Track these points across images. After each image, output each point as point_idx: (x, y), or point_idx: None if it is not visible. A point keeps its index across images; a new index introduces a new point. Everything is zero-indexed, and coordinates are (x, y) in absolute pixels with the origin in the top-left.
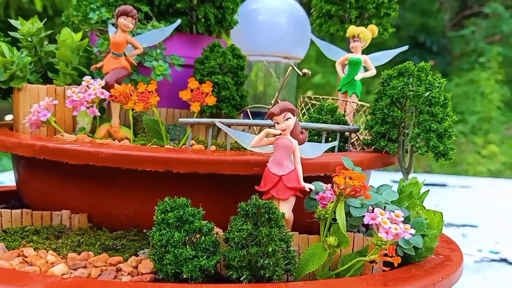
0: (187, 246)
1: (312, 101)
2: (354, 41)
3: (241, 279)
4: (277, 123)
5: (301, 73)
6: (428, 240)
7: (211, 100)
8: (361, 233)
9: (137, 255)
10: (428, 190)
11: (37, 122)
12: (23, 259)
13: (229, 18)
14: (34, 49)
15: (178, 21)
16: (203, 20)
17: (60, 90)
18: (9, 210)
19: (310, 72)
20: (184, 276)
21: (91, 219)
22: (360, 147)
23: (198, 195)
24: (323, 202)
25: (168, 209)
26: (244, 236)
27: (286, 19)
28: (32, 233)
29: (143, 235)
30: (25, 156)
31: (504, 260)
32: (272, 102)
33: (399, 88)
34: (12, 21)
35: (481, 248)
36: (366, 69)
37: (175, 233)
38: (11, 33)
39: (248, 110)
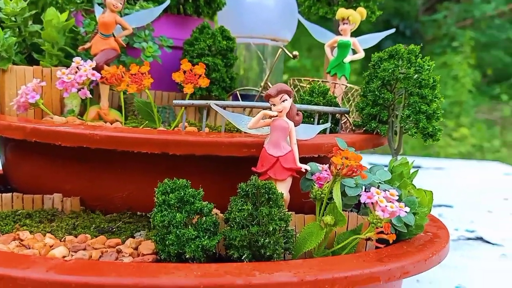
0: (189, 227)
1: (301, 84)
2: (344, 24)
3: (242, 258)
4: (274, 104)
5: (291, 55)
6: (419, 218)
7: (204, 82)
8: (354, 212)
9: (133, 237)
10: (417, 170)
11: (25, 104)
12: (19, 242)
13: None
14: (18, 29)
15: (167, 2)
16: (191, 1)
17: (47, 72)
18: None
19: (298, 54)
20: (186, 256)
21: (84, 202)
22: (349, 129)
23: (194, 177)
24: (319, 182)
25: (168, 190)
26: (244, 216)
27: (274, 0)
28: (24, 217)
29: (138, 217)
30: (14, 139)
31: (479, 239)
32: (262, 84)
33: (390, 70)
34: None
35: (458, 227)
36: (354, 52)
37: (177, 214)
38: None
39: (237, 92)
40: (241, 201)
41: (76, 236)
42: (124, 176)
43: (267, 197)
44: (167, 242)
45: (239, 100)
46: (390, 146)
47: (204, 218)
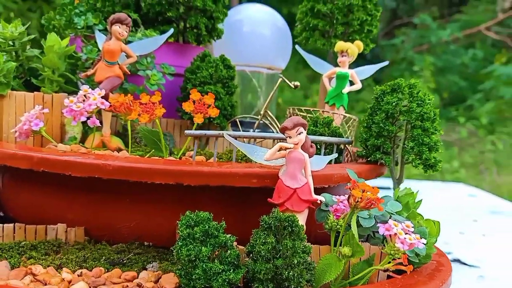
0: (215, 261)
1: (301, 113)
2: (342, 56)
3: None
4: (290, 137)
5: (292, 85)
6: (428, 248)
7: (214, 112)
8: (366, 243)
9: (146, 269)
10: (421, 200)
11: (27, 131)
12: (34, 277)
13: (218, 28)
14: (15, 54)
15: (171, 30)
16: (193, 29)
17: (48, 98)
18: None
19: (299, 85)
20: None
21: (88, 232)
22: (350, 159)
23: (205, 207)
24: (337, 214)
25: (192, 223)
26: (269, 249)
27: (269, 30)
28: (28, 249)
29: (146, 248)
30: (12, 167)
31: (457, 261)
32: (262, 112)
33: (393, 103)
34: None
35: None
36: (351, 83)
37: (203, 248)
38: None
39: (237, 120)
40: (264, 234)
41: (89, 270)
42: (133, 206)
43: (290, 229)
44: (194, 277)
45: (238, 127)
46: (392, 176)
47: (228, 251)
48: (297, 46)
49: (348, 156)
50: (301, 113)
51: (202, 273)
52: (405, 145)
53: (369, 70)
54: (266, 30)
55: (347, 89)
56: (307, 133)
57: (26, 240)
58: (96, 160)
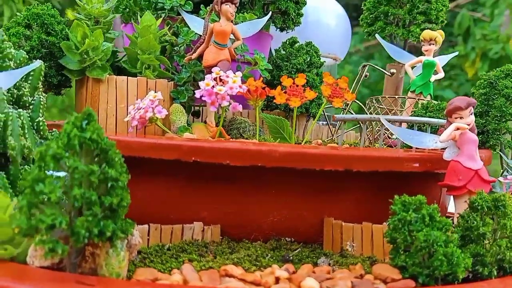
0: (451, 246)
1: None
2: (430, 44)
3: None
4: (461, 117)
5: (389, 73)
6: None
7: (310, 95)
8: None
9: (317, 265)
10: None
11: (144, 120)
12: (241, 279)
13: (302, 14)
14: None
15: (269, 14)
16: (281, 14)
17: (152, 84)
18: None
19: (396, 71)
20: (450, 277)
21: (223, 231)
22: None
23: (350, 195)
24: None
25: (411, 207)
26: (490, 230)
27: (334, 20)
28: (179, 251)
29: (289, 243)
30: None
31: None
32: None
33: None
34: None
35: None
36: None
37: (439, 233)
38: (78, 15)
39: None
40: (476, 215)
41: (263, 268)
42: (278, 198)
43: (503, 210)
44: (435, 264)
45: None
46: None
47: (453, 235)
48: (377, 35)
49: None
50: (378, 105)
51: (445, 259)
52: None
53: (444, 59)
54: (331, 19)
55: (433, 77)
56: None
57: (163, 242)
58: (261, 146)
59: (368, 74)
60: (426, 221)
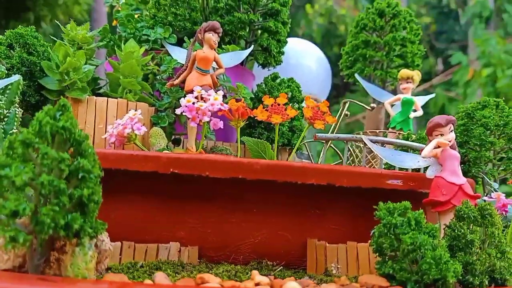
0: (438, 249)
1: (376, 135)
2: (407, 82)
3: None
4: (442, 134)
5: (369, 108)
6: None
7: (331, 119)
8: None
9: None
10: None
11: (122, 138)
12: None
13: (283, 51)
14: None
15: (251, 47)
16: (263, 51)
17: (132, 106)
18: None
19: (375, 106)
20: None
21: (200, 252)
22: None
23: (334, 211)
24: (505, 209)
25: (396, 212)
26: (479, 237)
27: (314, 63)
28: (152, 269)
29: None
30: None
31: None
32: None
33: (491, 117)
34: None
35: None
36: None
37: (426, 236)
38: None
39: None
40: (462, 224)
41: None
42: (260, 217)
43: (490, 219)
44: (423, 267)
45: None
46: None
47: (441, 241)
48: (356, 75)
49: None
50: (375, 136)
51: (434, 262)
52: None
53: (420, 100)
54: (312, 62)
55: (412, 114)
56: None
57: (136, 260)
58: (241, 158)
59: (348, 113)
60: (412, 224)
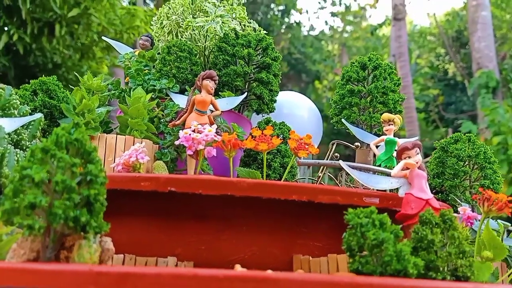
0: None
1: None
2: (389, 125)
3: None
4: (409, 156)
5: (354, 146)
6: None
7: (314, 150)
8: None
9: None
10: None
11: (128, 166)
12: None
13: (275, 100)
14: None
15: (245, 94)
16: (257, 99)
17: (138, 142)
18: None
19: (359, 144)
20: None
21: (195, 267)
22: None
23: (317, 230)
24: (470, 221)
25: (363, 215)
26: (440, 239)
27: (307, 113)
28: None
29: None
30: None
31: None
32: (320, 175)
33: (463, 149)
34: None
35: None
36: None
37: (388, 233)
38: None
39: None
40: (425, 227)
41: None
42: (247, 234)
43: (450, 223)
44: (386, 259)
45: None
46: None
47: (404, 240)
48: (343, 120)
49: None
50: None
51: (394, 254)
52: (482, 184)
53: (403, 141)
54: (304, 112)
55: (394, 153)
56: None
57: None
58: (228, 178)
59: (338, 155)
60: (376, 224)
